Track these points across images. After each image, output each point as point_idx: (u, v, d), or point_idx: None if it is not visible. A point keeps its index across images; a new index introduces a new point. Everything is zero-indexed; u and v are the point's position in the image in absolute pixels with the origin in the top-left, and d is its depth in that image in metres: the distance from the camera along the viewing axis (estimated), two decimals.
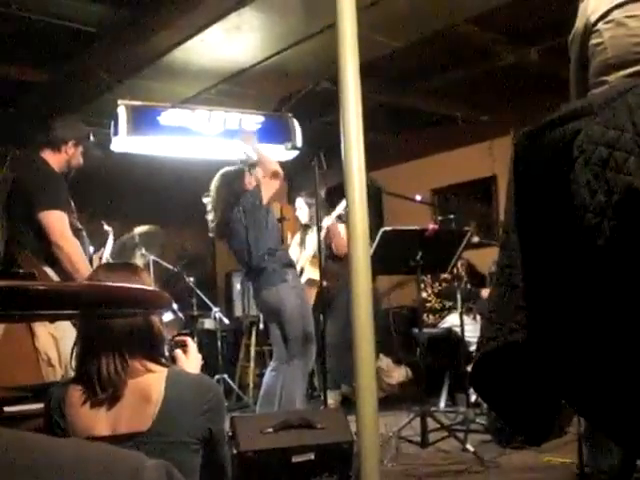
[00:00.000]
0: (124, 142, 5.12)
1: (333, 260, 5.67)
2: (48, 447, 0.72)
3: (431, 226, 4.63)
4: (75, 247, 3.30)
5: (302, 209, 5.74)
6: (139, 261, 5.57)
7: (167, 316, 5.18)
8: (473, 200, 7.55)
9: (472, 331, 5.15)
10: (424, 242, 4.37)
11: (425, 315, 5.93)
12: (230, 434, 2.86)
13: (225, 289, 8.22)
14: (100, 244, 3.90)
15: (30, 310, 0.95)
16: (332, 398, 5.54)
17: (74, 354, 1.84)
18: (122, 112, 5.04)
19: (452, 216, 5.72)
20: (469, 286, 5.92)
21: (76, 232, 3.39)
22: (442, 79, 5.94)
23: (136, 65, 5.12)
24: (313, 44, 4.64)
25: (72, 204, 3.45)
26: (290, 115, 5.70)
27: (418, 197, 5.78)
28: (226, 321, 6.53)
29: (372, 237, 3.72)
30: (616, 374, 1.51)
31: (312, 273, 5.29)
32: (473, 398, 4.90)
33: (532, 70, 5.55)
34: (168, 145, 5.39)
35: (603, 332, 1.48)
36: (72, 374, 1.92)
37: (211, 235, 4.76)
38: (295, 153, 5.19)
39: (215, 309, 6.44)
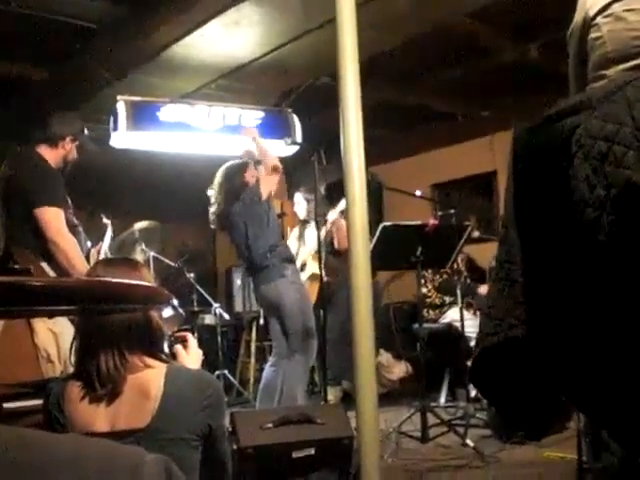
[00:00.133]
0: (123, 138, 5.12)
1: (334, 255, 5.67)
2: (47, 444, 0.72)
3: (431, 221, 4.62)
4: (71, 244, 3.30)
5: (300, 204, 5.74)
6: (139, 257, 5.57)
7: (167, 312, 5.17)
8: (474, 195, 7.55)
9: (472, 326, 5.15)
10: (424, 237, 4.37)
11: (425, 311, 5.92)
12: (230, 430, 2.86)
13: (225, 285, 8.22)
14: (98, 238, 3.89)
15: (28, 306, 0.95)
16: (333, 394, 5.55)
17: (73, 350, 1.84)
18: (121, 107, 5.03)
19: (452, 211, 5.72)
20: (468, 281, 5.92)
21: (73, 228, 3.39)
22: (443, 75, 5.93)
23: (136, 61, 5.11)
24: (313, 39, 4.63)
25: (69, 200, 3.46)
26: (290, 110, 5.70)
27: (418, 192, 5.77)
28: (226, 317, 6.53)
29: (372, 232, 3.72)
30: (616, 370, 1.51)
31: (315, 268, 5.29)
32: (473, 393, 4.91)
33: (532, 66, 5.54)
34: (167, 140, 5.39)
35: (603, 327, 1.47)
36: (71, 370, 1.92)
37: (213, 227, 4.79)
38: (295, 148, 5.19)
39: (215, 305, 6.44)
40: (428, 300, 6.05)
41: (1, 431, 0.70)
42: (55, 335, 3.03)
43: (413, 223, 4.50)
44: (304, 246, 5.58)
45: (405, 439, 4.18)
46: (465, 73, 5.81)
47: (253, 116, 5.54)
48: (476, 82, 6.02)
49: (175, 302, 5.35)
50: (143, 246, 5.74)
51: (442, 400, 5.61)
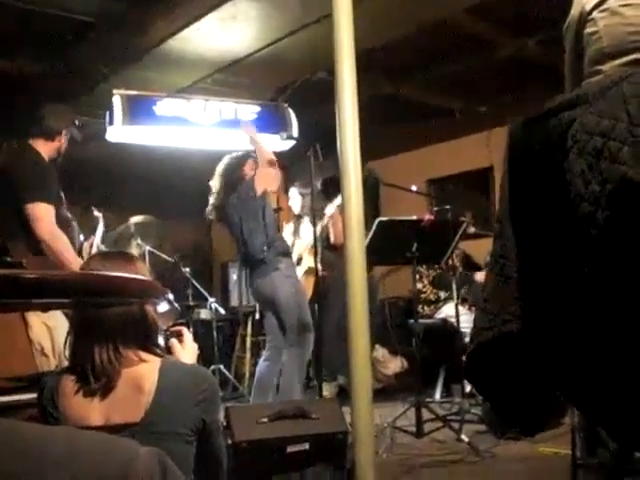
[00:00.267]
0: (119, 132, 5.10)
1: (330, 250, 5.66)
2: (42, 437, 0.72)
3: (427, 217, 4.62)
4: (61, 241, 3.30)
5: (295, 199, 5.74)
6: (135, 251, 5.56)
7: (163, 306, 5.17)
8: (470, 191, 7.55)
9: (467, 322, 5.16)
10: (420, 233, 4.37)
11: (420, 306, 5.93)
12: (225, 424, 2.86)
13: (221, 279, 8.22)
14: (90, 231, 3.89)
15: (22, 299, 0.95)
16: (328, 390, 5.55)
17: (67, 343, 1.83)
18: (117, 102, 5.01)
19: (448, 207, 5.72)
20: (464, 271, 5.93)
21: (66, 222, 3.39)
22: (440, 70, 5.92)
23: (133, 55, 5.10)
24: (309, 34, 4.62)
25: (62, 195, 3.45)
26: (286, 105, 5.68)
27: (414, 187, 5.77)
28: (222, 311, 6.53)
29: (368, 227, 3.71)
30: (610, 366, 1.51)
31: (312, 262, 5.29)
32: (468, 389, 4.91)
33: (530, 61, 5.53)
34: (164, 135, 5.37)
35: (597, 322, 1.48)
36: (66, 364, 1.92)
37: (210, 217, 4.79)
38: (291, 143, 5.18)
39: (211, 299, 6.44)
40: (423, 296, 6.05)
41: None
42: (49, 329, 3.03)
43: (409, 218, 4.49)
44: (299, 240, 5.58)
45: (400, 434, 4.19)
46: (462, 68, 5.80)
47: (249, 110, 5.53)
48: (473, 77, 6.01)
49: (171, 296, 5.35)
50: (139, 240, 5.74)
51: (437, 395, 5.62)
